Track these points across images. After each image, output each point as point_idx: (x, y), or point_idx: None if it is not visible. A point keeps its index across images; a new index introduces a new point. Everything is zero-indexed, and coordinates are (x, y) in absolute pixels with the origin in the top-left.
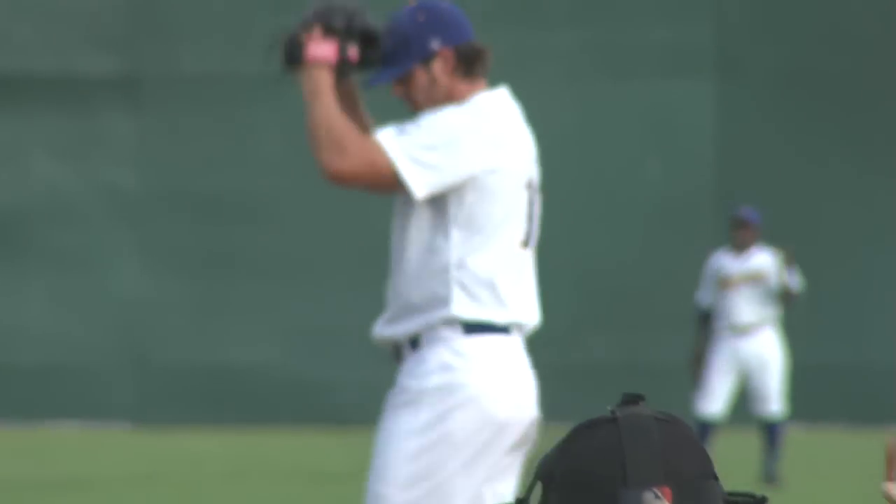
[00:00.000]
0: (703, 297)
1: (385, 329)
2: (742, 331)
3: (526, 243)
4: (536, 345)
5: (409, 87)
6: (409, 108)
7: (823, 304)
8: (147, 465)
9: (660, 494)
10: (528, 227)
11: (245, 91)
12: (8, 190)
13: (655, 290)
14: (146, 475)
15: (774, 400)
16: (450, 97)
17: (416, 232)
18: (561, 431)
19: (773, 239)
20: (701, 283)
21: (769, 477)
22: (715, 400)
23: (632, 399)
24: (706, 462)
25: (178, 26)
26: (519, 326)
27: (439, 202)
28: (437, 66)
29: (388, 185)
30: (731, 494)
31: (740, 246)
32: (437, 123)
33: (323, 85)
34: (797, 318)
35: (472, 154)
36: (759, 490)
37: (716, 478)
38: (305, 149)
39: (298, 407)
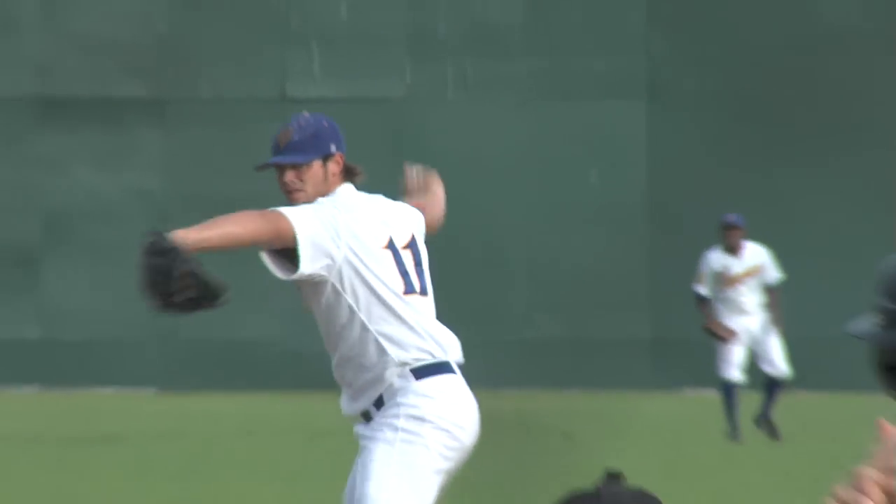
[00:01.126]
0: (702, 289)
1: (351, 406)
2: (748, 313)
3: (408, 292)
4: (497, 324)
5: (304, 175)
6: (287, 195)
7: None
8: (171, 423)
9: None
10: (405, 278)
11: (252, 111)
12: (57, 194)
13: (595, 277)
14: (170, 432)
15: (781, 361)
16: (328, 194)
17: (330, 319)
18: (516, 398)
19: (699, 237)
20: (698, 276)
21: (769, 428)
22: (735, 367)
23: (613, 476)
24: None
25: (198, 56)
26: (451, 359)
27: (332, 288)
28: (332, 166)
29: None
30: None
31: (734, 247)
32: (305, 210)
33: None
34: None
35: (337, 232)
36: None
37: None
38: None
39: (297, 374)
